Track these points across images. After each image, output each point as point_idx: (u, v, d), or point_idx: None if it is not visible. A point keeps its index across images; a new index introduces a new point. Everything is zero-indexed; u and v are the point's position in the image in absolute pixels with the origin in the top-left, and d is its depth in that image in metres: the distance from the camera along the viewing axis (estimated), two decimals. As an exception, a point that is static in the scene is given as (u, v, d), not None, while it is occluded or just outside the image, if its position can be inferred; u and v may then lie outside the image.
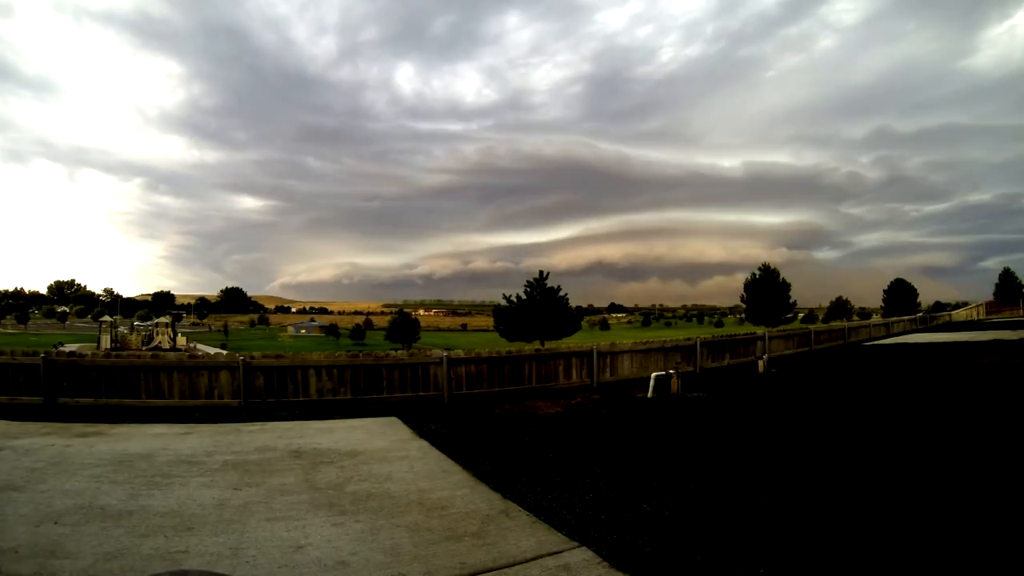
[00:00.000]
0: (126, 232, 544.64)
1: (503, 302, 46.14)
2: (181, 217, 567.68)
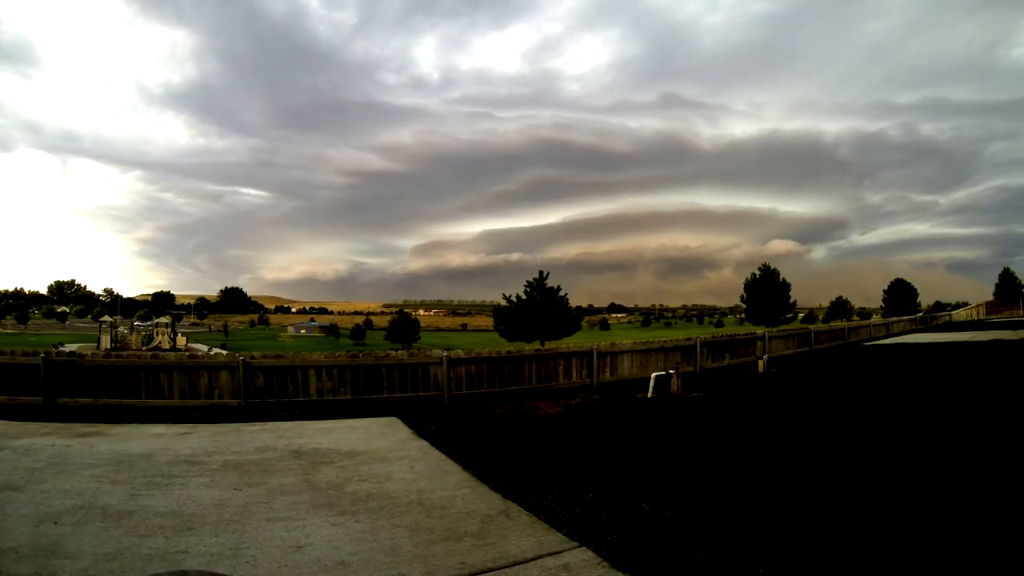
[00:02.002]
0: (110, 227, 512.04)
1: (503, 302, 46.16)
2: (154, 210, 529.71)
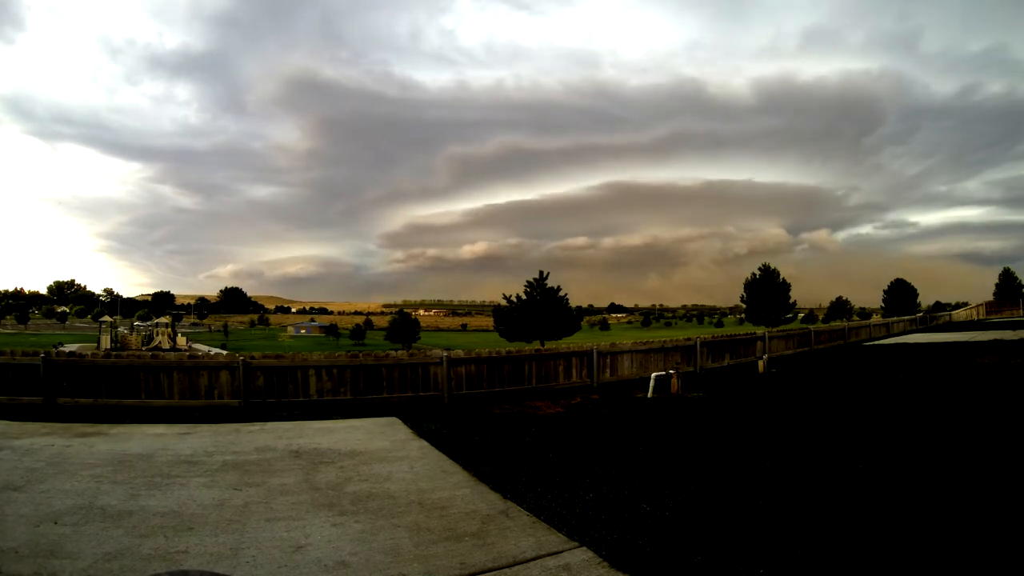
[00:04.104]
0: (105, 222, 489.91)
1: (503, 301, 46.19)
2: (153, 204, 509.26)
